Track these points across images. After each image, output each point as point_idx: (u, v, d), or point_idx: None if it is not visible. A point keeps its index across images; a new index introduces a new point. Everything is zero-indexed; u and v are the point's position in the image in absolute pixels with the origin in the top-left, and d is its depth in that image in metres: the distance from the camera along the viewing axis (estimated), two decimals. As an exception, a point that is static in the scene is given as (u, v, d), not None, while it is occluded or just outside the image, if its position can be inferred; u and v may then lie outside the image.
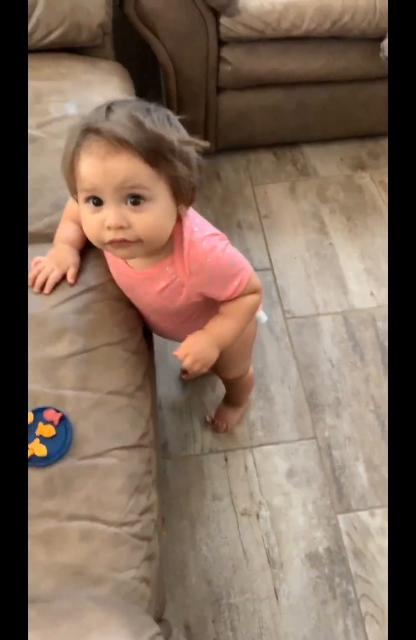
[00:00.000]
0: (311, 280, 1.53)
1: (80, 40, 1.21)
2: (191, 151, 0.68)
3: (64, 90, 1.10)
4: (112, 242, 0.68)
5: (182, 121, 0.72)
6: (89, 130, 0.64)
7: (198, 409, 1.28)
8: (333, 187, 1.74)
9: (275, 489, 1.18)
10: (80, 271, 0.84)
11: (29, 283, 0.82)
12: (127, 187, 0.65)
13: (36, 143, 0.98)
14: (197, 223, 0.77)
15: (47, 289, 0.81)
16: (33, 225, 0.89)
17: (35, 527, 0.62)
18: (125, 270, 0.80)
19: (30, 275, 0.83)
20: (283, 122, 1.69)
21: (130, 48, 1.43)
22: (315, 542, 1.12)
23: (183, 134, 0.70)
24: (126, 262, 0.78)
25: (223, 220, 1.66)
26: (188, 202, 0.73)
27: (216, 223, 1.70)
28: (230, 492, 1.17)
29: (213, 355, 0.82)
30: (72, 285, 0.83)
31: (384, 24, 1.41)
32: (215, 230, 0.81)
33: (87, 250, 0.86)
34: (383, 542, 1.12)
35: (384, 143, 1.82)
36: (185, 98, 1.54)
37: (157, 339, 1.36)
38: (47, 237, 0.87)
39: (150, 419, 0.77)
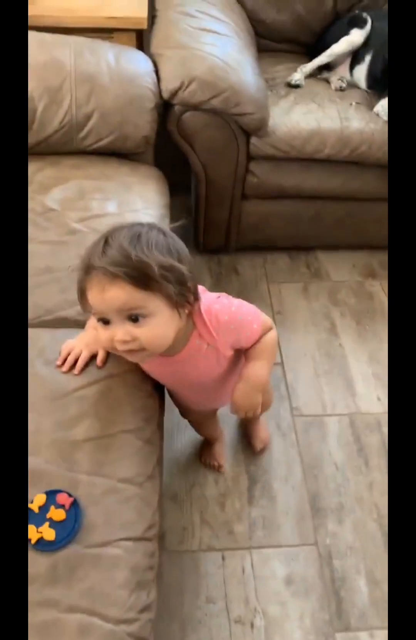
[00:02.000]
0: (320, 379, 1.56)
1: (125, 148, 1.33)
2: (178, 269, 0.76)
3: (106, 189, 1.20)
4: (123, 351, 0.78)
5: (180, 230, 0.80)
6: (89, 268, 0.75)
7: (199, 502, 1.27)
8: (345, 291, 1.82)
9: (272, 597, 1.14)
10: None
11: (58, 363, 0.89)
12: (126, 310, 0.75)
13: (76, 235, 1.07)
14: (204, 296, 0.87)
15: (76, 370, 0.88)
16: (65, 311, 0.95)
17: (34, 616, 0.62)
18: (162, 362, 0.86)
19: (61, 355, 0.89)
20: (300, 230, 1.80)
21: (166, 154, 1.57)
22: (311, 661, 1.07)
23: (178, 252, 0.78)
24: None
25: (238, 313, 1.72)
26: (190, 305, 0.81)
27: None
28: (225, 596, 1.14)
29: (258, 399, 0.92)
30: (100, 367, 0.89)
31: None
32: (217, 294, 0.92)
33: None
34: (383, 667, 1.07)
35: (395, 256, 1.92)
36: (213, 201, 1.65)
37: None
38: (77, 323, 0.93)
39: (157, 511, 0.78)
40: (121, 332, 0.75)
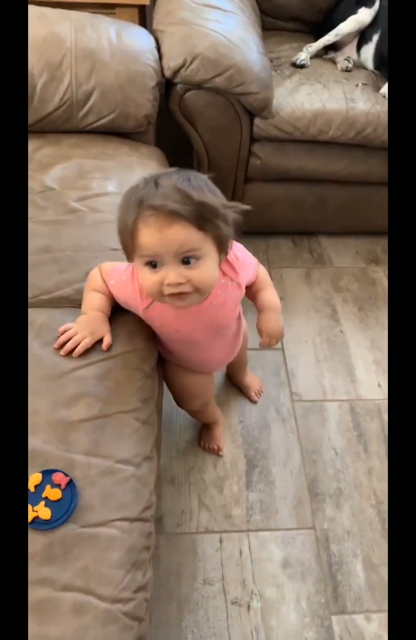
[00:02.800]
0: (320, 365, 1.56)
1: (126, 126, 1.31)
2: (230, 211, 0.79)
3: (107, 169, 1.18)
4: (171, 295, 0.78)
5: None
6: (143, 206, 0.73)
7: (198, 485, 1.27)
8: (347, 277, 1.80)
9: (269, 580, 1.15)
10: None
11: (56, 346, 0.87)
12: (182, 252, 0.75)
13: (76, 214, 1.05)
14: None
15: (76, 354, 0.85)
16: (63, 290, 0.94)
17: (30, 594, 0.62)
18: (193, 311, 0.86)
19: (59, 340, 0.87)
20: (303, 214, 1.77)
21: (167, 135, 1.54)
22: (307, 643, 1.07)
23: (221, 197, 0.80)
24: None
25: (239, 298, 1.71)
26: (226, 253, 0.83)
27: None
28: (222, 578, 1.14)
29: (281, 321, 1.01)
30: (107, 351, 0.86)
31: (404, 137, 1.52)
32: None
33: (111, 320, 0.90)
34: (378, 651, 1.07)
35: (398, 242, 1.90)
36: (215, 183, 1.62)
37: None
38: (74, 302, 0.92)
39: (154, 491, 0.77)
40: (174, 274, 0.75)
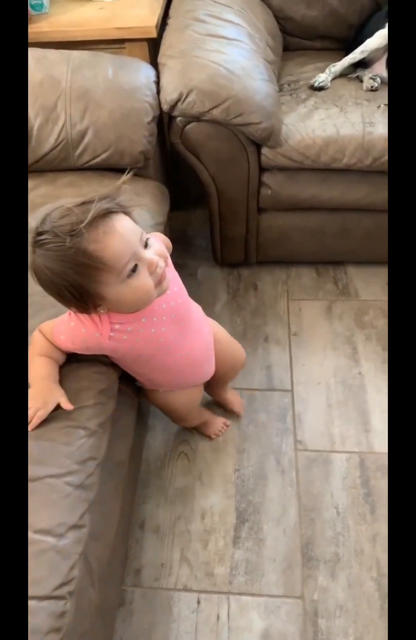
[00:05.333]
0: (332, 410, 1.43)
1: (122, 163, 1.29)
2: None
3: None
4: (160, 281, 0.79)
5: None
6: (81, 231, 0.69)
7: (182, 537, 1.21)
8: (373, 311, 1.65)
9: (245, 652, 1.06)
10: None
11: None
12: (141, 236, 0.77)
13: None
14: None
15: (31, 428, 0.81)
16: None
17: None
18: (155, 311, 0.87)
19: None
20: (325, 244, 1.66)
21: (187, 166, 1.50)
22: None
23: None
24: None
25: (251, 331, 1.63)
26: None
27: (243, 333, 1.66)
28: (195, 644, 1.07)
29: None
30: (72, 409, 0.83)
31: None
32: None
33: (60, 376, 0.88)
34: None
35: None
36: (227, 215, 1.57)
37: (152, 453, 1.34)
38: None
39: (79, 564, 0.73)
40: (152, 252, 0.77)
